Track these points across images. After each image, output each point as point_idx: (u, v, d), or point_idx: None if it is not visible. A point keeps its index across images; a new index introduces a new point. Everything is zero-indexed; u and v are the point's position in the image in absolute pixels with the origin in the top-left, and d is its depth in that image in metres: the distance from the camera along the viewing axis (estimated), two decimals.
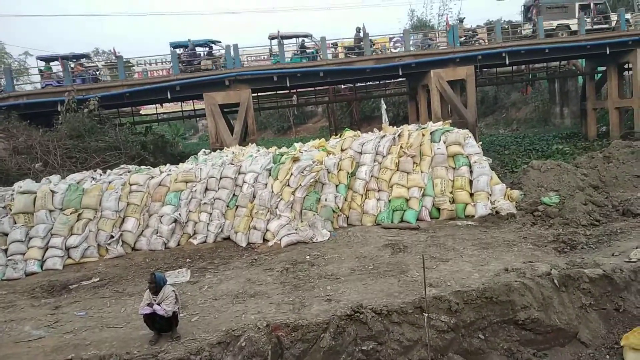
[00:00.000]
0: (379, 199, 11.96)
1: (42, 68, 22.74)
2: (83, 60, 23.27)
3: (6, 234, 10.82)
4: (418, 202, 11.69)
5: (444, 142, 12.41)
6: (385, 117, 28.13)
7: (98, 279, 9.52)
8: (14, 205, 11.17)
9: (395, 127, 14.40)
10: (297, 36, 23.69)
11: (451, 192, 11.96)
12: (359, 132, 14.79)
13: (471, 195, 11.90)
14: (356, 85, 30.74)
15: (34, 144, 17.61)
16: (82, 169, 15.53)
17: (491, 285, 7.10)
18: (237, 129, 21.32)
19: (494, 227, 10.69)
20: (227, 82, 21.17)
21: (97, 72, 23.14)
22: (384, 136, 13.00)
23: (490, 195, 11.88)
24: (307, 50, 23.70)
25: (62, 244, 10.75)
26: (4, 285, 9.60)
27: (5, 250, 10.57)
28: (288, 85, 22.49)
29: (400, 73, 23.44)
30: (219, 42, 23.23)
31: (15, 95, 20.80)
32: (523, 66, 30.44)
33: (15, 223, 11.00)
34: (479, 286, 7.10)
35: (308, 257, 9.42)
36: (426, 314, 6.34)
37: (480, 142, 14.77)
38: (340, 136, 14.27)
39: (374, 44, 24.21)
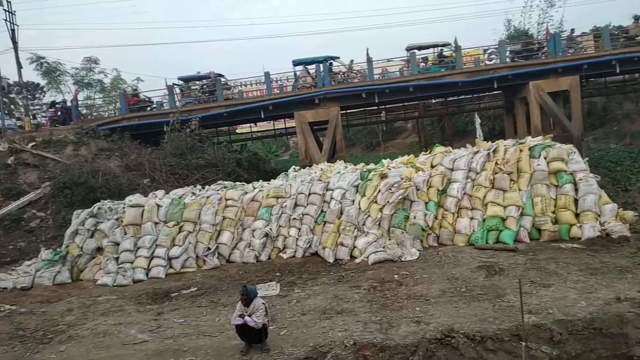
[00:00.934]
0: (472, 218, 11.43)
1: (183, 87, 24.34)
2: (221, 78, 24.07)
3: (118, 244, 11.88)
4: (516, 222, 11.00)
5: (545, 158, 11.60)
6: (479, 132, 27.00)
7: (196, 288, 10.07)
8: (125, 217, 12.27)
9: (490, 142, 13.76)
10: (436, 45, 23.71)
11: (553, 212, 11.10)
12: (450, 147, 14.34)
13: (577, 215, 10.96)
14: (448, 99, 29.92)
15: (143, 161, 19.26)
16: (183, 185, 16.69)
17: (600, 315, 6.43)
18: (326, 146, 21.69)
19: (604, 251, 9.72)
20: (317, 100, 21.67)
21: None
22: (477, 152, 12.46)
23: (598, 215, 10.86)
24: (445, 60, 23.53)
25: (165, 255, 11.58)
26: (115, 291, 10.52)
27: (117, 259, 11.61)
28: (376, 101, 22.49)
29: (496, 86, 22.42)
30: (338, 57, 23.87)
31: (129, 117, 22.95)
32: (637, 74, 27.67)
33: (126, 234, 12.06)
34: (585, 315, 6.47)
35: (396, 276, 9.22)
36: (524, 343, 5.88)
37: (587, 158, 13.61)
38: (430, 152, 13.93)
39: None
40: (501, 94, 27.70)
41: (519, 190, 11.37)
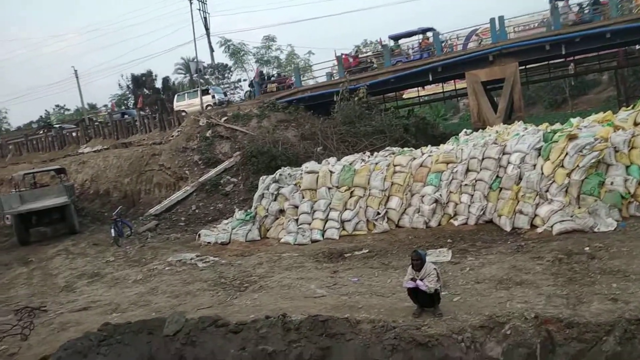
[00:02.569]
0: None
1: (393, 47, 24.79)
2: (429, 34, 23.96)
3: (297, 207, 12.94)
4: None
5: None
6: None
7: (367, 250, 10.46)
8: (302, 183, 13.25)
9: None
10: None
11: None
12: None
13: None
14: None
15: (316, 131, 20.48)
16: (353, 152, 17.30)
17: None
18: (501, 107, 20.13)
19: None
20: (491, 57, 20.12)
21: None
22: None
23: None
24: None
25: (338, 217, 12.23)
26: (296, 249, 11.54)
27: (296, 220, 12.67)
28: (563, 53, 19.89)
29: None
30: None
31: (303, 90, 24.50)
32: None
33: (303, 197, 13.04)
34: None
35: (587, 248, 8.21)
36: None
37: None
38: (633, 107, 11.85)
39: None
40: None
41: None
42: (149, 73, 47.40)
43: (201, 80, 31.65)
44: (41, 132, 32.11)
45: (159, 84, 46.09)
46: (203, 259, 11.48)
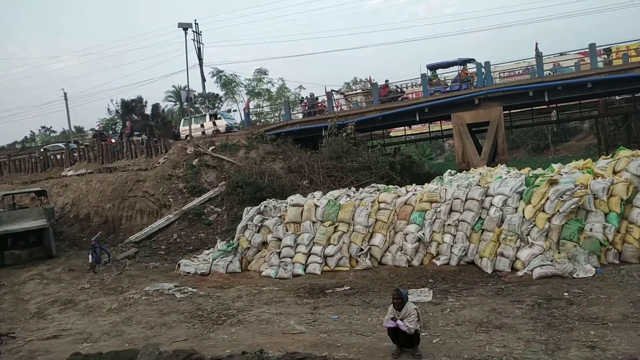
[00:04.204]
0: None
1: (432, 76, 24.37)
2: (469, 65, 23.75)
3: (280, 239, 12.86)
4: None
5: None
6: None
7: (349, 287, 10.37)
8: (287, 216, 13.22)
9: None
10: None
11: None
12: (637, 151, 12.36)
13: None
14: (635, 95, 25.88)
15: (303, 164, 20.59)
16: (339, 187, 17.40)
17: None
18: (485, 149, 20.53)
19: None
20: (477, 100, 20.65)
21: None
22: None
23: None
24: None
25: (321, 252, 12.17)
26: (277, 283, 11.40)
27: (279, 253, 12.57)
28: (546, 100, 20.54)
29: None
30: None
31: (292, 123, 24.74)
32: None
33: (287, 230, 12.98)
34: None
35: (566, 293, 8.26)
36: None
37: None
38: (612, 156, 12.19)
39: None
40: None
41: None
42: (139, 99, 47.57)
43: (191, 109, 31.81)
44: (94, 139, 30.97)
45: (148, 110, 46.19)
46: (181, 290, 11.26)
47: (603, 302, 7.68)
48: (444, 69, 24.36)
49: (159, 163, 22.57)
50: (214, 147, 22.70)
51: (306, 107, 26.80)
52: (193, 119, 29.12)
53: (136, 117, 44.07)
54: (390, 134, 35.57)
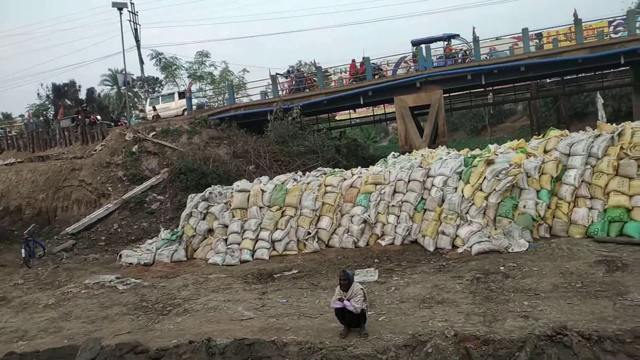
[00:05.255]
0: (591, 208, 10.39)
1: (414, 52, 23.64)
2: (453, 41, 23.40)
3: (226, 226, 12.68)
4: None
5: None
6: (601, 114, 24.48)
7: (297, 270, 10.43)
8: (233, 202, 13.05)
9: (614, 124, 12.36)
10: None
11: None
12: (566, 131, 13.15)
13: None
14: (565, 78, 27.42)
15: (249, 149, 20.32)
16: (285, 171, 17.34)
17: None
18: (427, 131, 21.12)
19: None
20: (418, 84, 21.11)
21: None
22: (599, 135, 11.26)
23: None
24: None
25: (268, 237, 12.13)
26: (224, 270, 11.27)
27: (225, 240, 12.41)
28: (483, 83, 21.34)
29: (623, 61, 20.07)
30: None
31: (236, 107, 24.29)
32: None
33: (234, 217, 12.83)
34: None
35: (502, 267, 8.72)
36: None
37: None
38: (543, 136, 12.90)
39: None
40: (629, 71, 24.75)
41: None
42: (72, 83, 44.91)
43: (129, 94, 30.46)
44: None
45: (82, 95, 43.76)
46: (123, 281, 10.90)
47: (535, 274, 8.18)
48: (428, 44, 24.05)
49: (95, 150, 21.53)
50: (154, 132, 21.91)
51: (293, 82, 25.15)
52: (160, 98, 27.83)
53: (69, 102, 41.64)
54: (336, 118, 35.77)
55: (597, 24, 22.32)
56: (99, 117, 27.68)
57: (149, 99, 28.55)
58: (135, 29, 30.46)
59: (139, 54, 30.93)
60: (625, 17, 20.99)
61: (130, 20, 30.00)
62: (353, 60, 23.84)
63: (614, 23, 21.77)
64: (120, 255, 13.14)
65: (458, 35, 22.92)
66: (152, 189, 18.42)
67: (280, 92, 24.67)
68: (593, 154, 10.80)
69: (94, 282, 10.98)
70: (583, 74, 27.40)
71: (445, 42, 23.05)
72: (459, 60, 22.12)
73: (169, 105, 26.46)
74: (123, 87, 32.49)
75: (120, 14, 28.02)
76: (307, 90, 23.85)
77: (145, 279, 11.13)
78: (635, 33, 19.99)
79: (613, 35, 21.23)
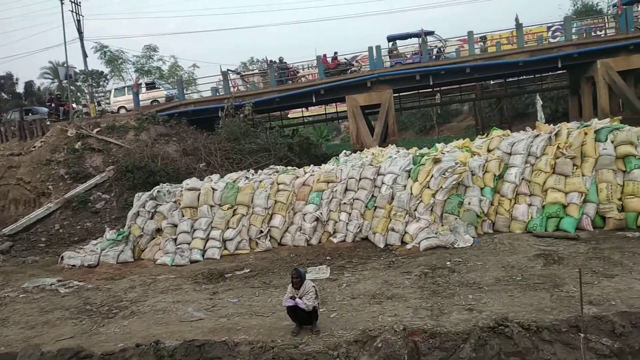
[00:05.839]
0: (530, 204, 10.96)
1: (390, 47, 23.80)
2: (429, 38, 23.38)
3: (176, 225, 12.39)
4: (578, 209, 10.44)
5: (612, 142, 10.88)
6: (540, 114, 25.77)
7: (249, 270, 10.35)
8: (183, 200, 12.75)
9: (552, 125, 13.08)
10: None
11: (620, 199, 10.44)
12: (508, 131, 13.77)
13: None
14: (507, 80, 28.69)
15: (199, 146, 19.91)
16: (237, 169, 17.11)
17: None
18: (377, 130, 21.49)
19: None
20: (369, 83, 21.44)
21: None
22: (537, 135, 11.88)
23: None
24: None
25: (220, 236, 11.96)
26: (173, 270, 11.01)
27: (175, 240, 12.12)
28: (431, 83, 21.96)
29: (560, 65, 21.25)
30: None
31: (185, 103, 23.72)
32: None
33: (183, 216, 12.54)
34: None
35: (448, 262, 9.05)
36: (583, 335, 5.62)
37: None
38: (487, 136, 13.45)
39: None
40: (565, 74, 26.26)
41: (583, 175, 10.76)
42: (9, 75, 42.43)
43: (72, 87, 29.08)
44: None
45: (20, 89, 41.41)
46: (66, 284, 10.41)
47: (479, 269, 8.54)
48: (403, 41, 24.24)
49: (34, 147, 20.40)
50: (99, 129, 21.04)
51: (276, 74, 24.24)
52: (126, 89, 26.49)
53: (6, 96, 39.27)
54: (289, 116, 35.73)
55: (537, 29, 23.54)
56: (74, 105, 26.29)
57: (113, 90, 27.29)
58: (78, 20, 29.13)
59: (82, 47, 29.62)
60: (562, 23, 22.20)
61: (72, 11, 28.66)
62: (324, 55, 23.83)
63: (552, 28, 23.05)
64: (62, 257, 12.54)
65: (433, 32, 23.35)
66: (96, 188, 17.68)
67: (232, 89, 24.34)
68: (532, 153, 11.39)
69: (34, 285, 10.44)
70: (524, 77, 28.83)
71: (420, 39, 23.40)
72: (433, 57, 22.57)
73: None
74: (65, 81, 30.99)
75: (62, 3, 26.73)
76: (290, 82, 23.49)
77: (89, 281, 10.69)
78: (572, 38, 21.19)
79: (551, 40, 22.46)
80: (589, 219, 10.40)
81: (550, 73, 28.08)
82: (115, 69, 40.23)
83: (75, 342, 6.92)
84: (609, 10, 33.82)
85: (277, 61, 24.60)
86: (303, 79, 24.21)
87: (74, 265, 12.05)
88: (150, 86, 25.96)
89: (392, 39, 23.46)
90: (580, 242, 9.55)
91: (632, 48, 19.67)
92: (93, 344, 6.79)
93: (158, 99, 24.71)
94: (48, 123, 22.66)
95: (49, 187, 17.91)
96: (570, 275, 7.56)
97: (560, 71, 25.83)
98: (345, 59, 23.25)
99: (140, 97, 25.07)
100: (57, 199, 17.02)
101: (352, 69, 23.22)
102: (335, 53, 23.84)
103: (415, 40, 23.59)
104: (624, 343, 5.85)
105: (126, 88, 26.80)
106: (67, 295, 9.72)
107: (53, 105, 24.18)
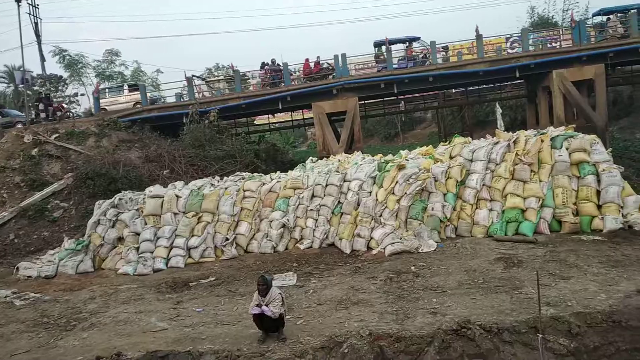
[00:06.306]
0: (491, 209, 11.30)
1: (377, 52, 23.62)
2: (414, 44, 23.38)
3: (138, 234, 12.10)
4: (536, 214, 10.83)
5: (567, 149, 11.37)
6: (500, 122, 26.54)
7: (214, 278, 10.21)
8: (145, 208, 12.48)
9: (511, 132, 13.54)
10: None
11: (574, 204, 10.90)
12: (469, 138, 14.16)
13: (599, 207, 10.73)
14: (468, 89, 29.49)
15: (163, 152, 19.50)
16: (202, 176, 16.86)
17: (620, 308, 6.32)
18: (343, 137, 21.63)
19: (626, 244, 9.51)
20: (335, 90, 21.59)
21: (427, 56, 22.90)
22: (497, 142, 12.28)
23: (621, 207, 10.62)
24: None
25: (184, 245, 11.75)
26: (136, 280, 10.74)
27: (137, 249, 11.83)
28: (395, 91, 22.31)
29: (518, 75, 22.01)
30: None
31: (148, 109, 23.20)
32: None
33: (146, 224, 12.26)
34: (605, 308, 6.37)
35: (413, 267, 9.19)
36: (541, 335, 5.82)
37: (611, 149, 13.35)
38: (449, 143, 13.78)
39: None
40: (523, 83, 27.22)
41: (540, 181, 11.18)
42: None
43: (29, 92, 28.04)
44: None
45: None
46: (21, 296, 9.99)
47: (443, 273, 8.72)
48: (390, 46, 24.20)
49: None
50: (57, 135, 20.31)
51: (267, 75, 23.53)
52: (107, 91, 25.40)
53: None
54: (255, 122, 35.52)
55: (496, 39, 24.29)
56: (64, 105, 25.10)
57: (107, 90, 26.32)
58: (36, 23, 28.20)
59: (40, 50, 28.66)
60: (520, 34, 23.03)
61: (29, 14, 27.71)
62: (307, 60, 23.76)
63: (511, 39, 23.82)
64: (18, 267, 12.05)
65: (419, 38, 23.62)
66: (54, 196, 17.05)
67: (196, 95, 24.00)
68: (492, 160, 11.75)
69: None
70: (484, 86, 29.69)
71: (406, 45, 23.64)
72: (419, 63, 22.85)
73: (117, 99, 24.55)
74: (21, 85, 29.84)
75: (19, 6, 25.74)
76: (282, 84, 23.26)
77: (46, 292, 10.29)
78: (529, 49, 22.01)
79: (510, 51, 23.21)
80: (546, 223, 10.81)
81: (509, 82, 29.06)
82: (75, 73, 39.05)
83: (32, 356, 6.65)
84: (563, 23, 35.37)
85: (270, 63, 24.41)
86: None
87: (30, 277, 11.58)
88: (134, 88, 25.26)
89: (378, 44, 23.78)
90: (538, 245, 9.90)
91: (585, 59, 20.60)
92: (50, 357, 6.55)
93: (140, 102, 24.07)
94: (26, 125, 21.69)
95: (4, 195, 17.15)
96: (529, 278, 7.82)
97: (518, 81, 26.76)
98: (327, 63, 23.29)
99: (123, 99, 24.36)
100: (12, 207, 16.31)
101: (334, 74, 23.33)
102: (318, 57, 23.94)
103: (401, 45, 23.95)
104: (580, 343, 6.09)
105: (107, 90, 25.98)
106: (23, 307, 9.33)
107: (41, 106, 23.16)
